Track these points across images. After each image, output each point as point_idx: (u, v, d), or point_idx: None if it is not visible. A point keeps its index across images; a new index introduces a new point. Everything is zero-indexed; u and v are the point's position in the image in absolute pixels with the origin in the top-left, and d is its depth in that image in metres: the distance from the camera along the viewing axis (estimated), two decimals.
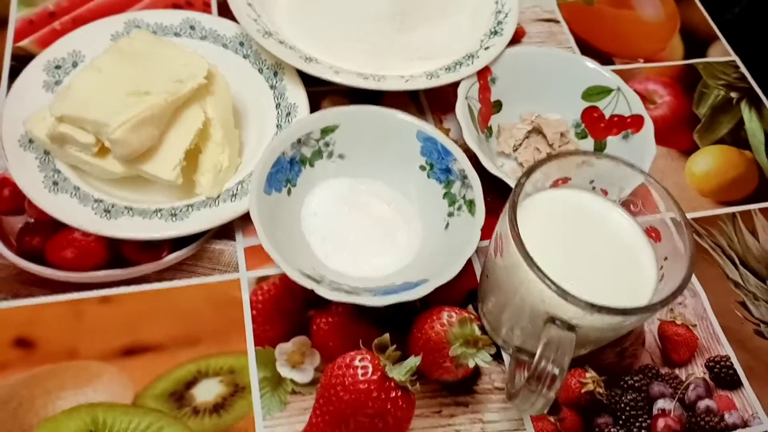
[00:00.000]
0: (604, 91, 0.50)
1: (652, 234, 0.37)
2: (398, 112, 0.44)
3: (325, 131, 0.44)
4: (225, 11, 0.48)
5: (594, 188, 0.38)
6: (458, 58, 0.48)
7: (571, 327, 0.32)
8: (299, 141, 0.43)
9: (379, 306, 0.37)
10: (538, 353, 0.32)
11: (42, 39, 0.51)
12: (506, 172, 0.49)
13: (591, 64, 0.50)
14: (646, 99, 0.57)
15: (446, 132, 0.51)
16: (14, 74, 0.47)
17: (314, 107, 0.48)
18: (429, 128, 0.44)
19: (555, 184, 0.38)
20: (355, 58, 0.48)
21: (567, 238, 0.36)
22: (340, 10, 0.51)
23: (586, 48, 0.59)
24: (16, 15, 0.52)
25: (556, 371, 0.32)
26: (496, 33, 0.50)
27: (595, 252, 0.36)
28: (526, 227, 0.33)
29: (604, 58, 0.59)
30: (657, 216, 0.36)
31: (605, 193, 0.38)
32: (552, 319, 0.33)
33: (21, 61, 0.49)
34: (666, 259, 0.35)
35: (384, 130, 0.44)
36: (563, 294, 0.31)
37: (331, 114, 0.44)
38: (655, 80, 0.58)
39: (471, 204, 0.41)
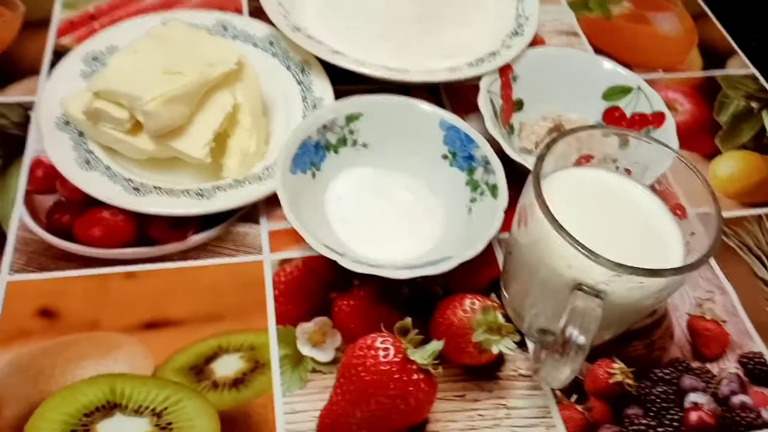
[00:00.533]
0: (624, 91, 0.50)
1: (678, 211, 0.36)
2: (420, 101, 0.45)
3: (350, 119, 0.44)
4: (255, 14, 0.50)
5: (617, 168, 0.38)
6: (481, 56, 0.50)
7: (597, 294, 0.32)
8: (325, 126, 0.43)
9: (402, 279, 0.37)
10: (563, 320, 0.31)
11: (81, 37, 0.53)
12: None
13: (608, 64, 0.51)
14: (666, 107, 0.57)
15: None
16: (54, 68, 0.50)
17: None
18: (451, 117, 0.44)
19: (578, 163, 0.38)
20: (380, 55, 0.50)
21: (591, 215, 0.36)
22: (366, 12, 0.53)
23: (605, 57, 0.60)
24: (59, 17, 0.55)
25: (582, 339, 0.31)
26: (517, 34, 0.51)
27: (619, 228, 0.36)
28: (549, 203, 0.33)
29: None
30: (682, 197, 0.36)
31: (628, 172, 0.38)
32: (578, 286, 0.32)
33: (61, 56, 0.51)
34: (692, 234, 0.35)
35: (407, 120, 0.45)
36: (590, 254, 0.30)
37: (355, 102, 0.45)
38: (675, 89, 0.59)
39: (494, 188, 0.41)
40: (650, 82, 0.58)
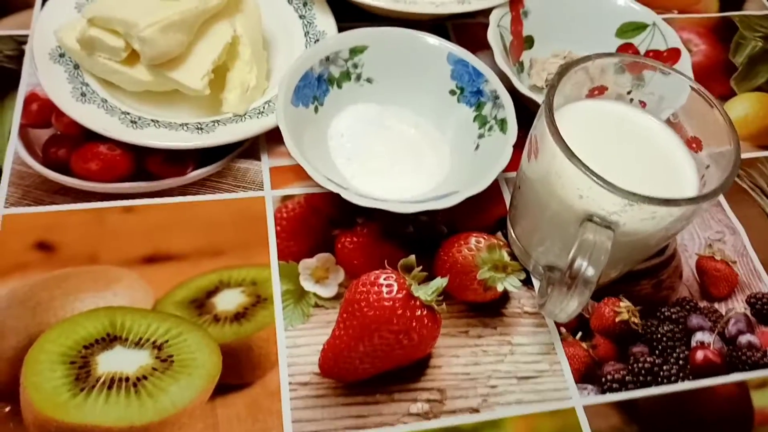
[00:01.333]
0: (639, 27, 0.49)
1: (693, 144, 0.35)
2: (428, 34, 0.43)
3: (354, 51, 0.43)
4: None
5: (632, 100, 0.37)
6: None
7: (608, 225, 0.31)
8: (328, 59, 0.42)
9: (408, 214, 0.36)
10: (572, 251, 0.31)
11: None
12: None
13: (630, 2, 0.49)
14: None
15: None
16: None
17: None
18: (460, 50, 0.43)
19: (591, 94, 0.37)
20: None
21: (604, 146, 0.35)
22: None
23: None
24: None
25: (591, 271, 0.30)
26: None
27: (633, 159, 0.35)
28: (561, 134, 0.32)
29: None
30: (698, 127, 0.35)
31: (643, 105, 0.37)
32: (589, 217, 0.31)
33: None
34: (708, 167, 0.34)
35: (413, 53, 0.43)
36: (604, 182, 0.29)
37: (360, 33, 0.43)
38: (690, 30, 0.57)
39: (503, 123, 0.40)
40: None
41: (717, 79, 0.54)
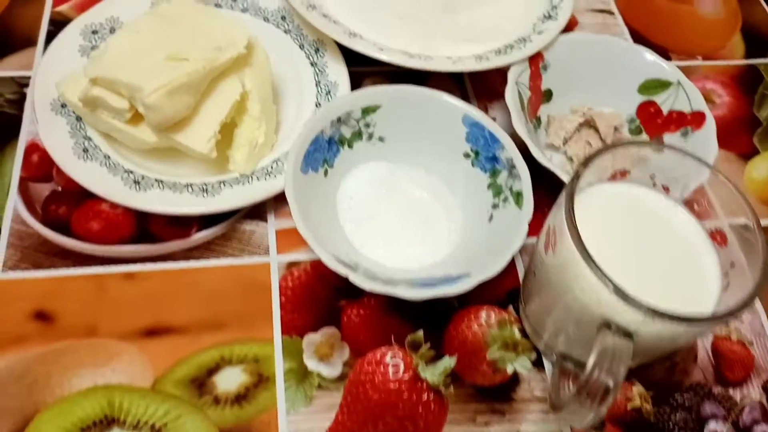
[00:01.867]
0: (662, 85, 0.47)
1: (717, 237, 0.34)
2: (443, 93, 0.42)
3: (367, 111, 0.41)
4: None
5: (655, 184, 0.35)
6: (509, 42, 0.46)
7: (628, 334, 0.30)
8: (339, 120, 0.40)
9: (416, 300, 0.35)
10: (590, 362, 0.29)
11: (81, 5, 0.49)
12: (555, 165, 0.46)
13: (650, 55, 0.47)
14: (704, 98, 0.53)
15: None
16: (51, 39, 0.46)
17: (355, 88, 0.46)
18: (476, 113, 0.41)
19: (613, 177, 0.35)
20: (400, 38, 0.46)
21: (625, 237, 0.34)
22: None
23: (642, 41, 0.56)
24: None
25: (610, 383, 0.29)
26: (549, 17, 0.47)
27: (654, 254, 0.33)
28: (581, 222, 0.30)
29: (660, 53, 0.55)
30: (722, 218, 0.33)
31: (667, 190, 0.35)
32: (607, 325, 0.30)
33: (59, 26, 0.47)
34: (732, 266, 0.32)
35: (428, 113, 0.42)
36: (624, 296, 0.28)
37: (373, 93, 0.41)
38: (714, 79, 0.55)
39: (518, 196, 0.39)
40: (688, 70, 0.55)
41: (739, 135, 0.52)
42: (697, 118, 0.45)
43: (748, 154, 0.51)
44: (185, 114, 0.38)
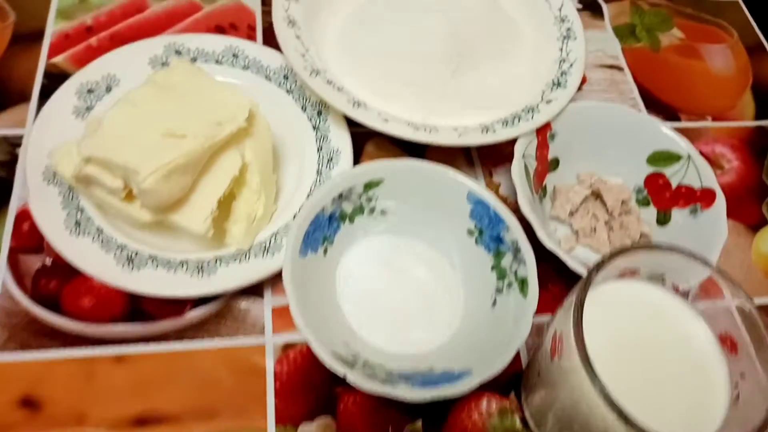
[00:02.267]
0: (672, 158, 0.46)
1: (728, 342, 0.33)
2: (449, 169, 0.41)
3: (369, 186, 0.40)
4: (270, 37, 0.45)
5: (664, 281, 0.34)
6: (516, 111, 0.45)
7: None
8: (341, 196, 0.39)
9: (416, 401, 0.34)
10: None
11: (77, 56, 0.48)
12: (559, 238, 0.45)
13: (661, 126, 0.46)
14: (713, 163, 0.52)
15: (496, 187, 0.47)
16: (45, 93, 0.45)
17: (358, 149, 0.45)
18: (481, 190, 0.40)
19: (622, 275, 0.34)
20: (406, 102, 0.45)
21: (632, 344, 0.32)
22: (392, 48, 0.47)
23: (650, 100, 0.55)
24: (52, 28, 0.49)
25: None
26: (559, 84, 0.46)
27: (662, 364, 0.32)
28: (588, 325, 0.29)
29: (669, 113, 0.55)
30: (729, 320, 0.32)
31: (676, 289, 0.34)
32: None
33: (53, 79, 0.46)
34: (743, 376, 0.31)
35: (431, 187, 0.41)
36: (631, 423, 0.27)
37: (376, 168, 0.40)
38: (724, 142, 0.54)
39: (523, 283, 0.38)
40: (697, 132, 0.54)
41: (749, 203, 0.51)
42: (707, 196, 0.44)
43: (756, 225, 0.50)
44: (182, 194, 0.36)
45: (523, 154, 0.43)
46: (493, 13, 0.51)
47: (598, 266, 0.31)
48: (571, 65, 0.47)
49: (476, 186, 0.40)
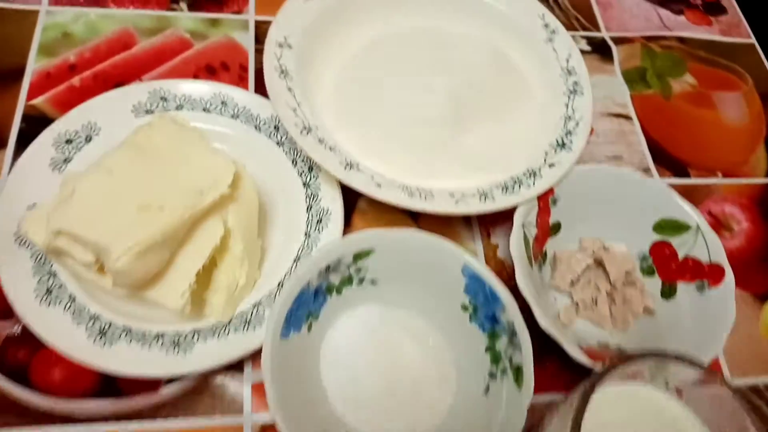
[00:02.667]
0: (680, 227, 0.43)
1: None
2: (443, 240, 0.38)
3: (359, 256, 0.38)
4: (263, 79, 0.43)
5: (668, 385, 0.32)
6: (517, 174, 0.42)
7: None
8: (328, 268, 0.37)
9: None
10: None
11: (58, 98, 0.46)
12: (559, 309, 0.43)
13: (669, 192, 0.44)
14: (721, 225, 0.50)
15: (494, 248, 0.45)
16: (23, 139, 0.43)
17: (350, 204, 0.43)
18: (477, 265, 0.38)
19: (625, 378, 0.32)
20: (402, 162, 0.43)
21: None
22: (388, 104, 0.45)
23: (659, 153, 0.53)
24: (33, 65, 0.47)
25: None
26: (563, 146, 0.44)
27: None
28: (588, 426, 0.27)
29: (679, 168, 0.52)
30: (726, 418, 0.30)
31: (679, 393, 0.32)
32: None
33: (32, 123, 0.44)
34: None
35: (425, 258, 0.39)
36: None
37: (366, 238, 0.38)
38: (733, 201, 0.52)
39: (518, 372, 0.35)
40: (707, 189, 0.52)
41: (758, 270, 0.49)
42: (715, 272, 0.41)
43: (765, 293, 0.48)
44: (158, 270, 0.34)
45: (523, 223, 0.41)
46: (497, 64, 0.49)
47: (601, 375, 0.29)
48: (577, 124, 0.45)
49: (472, 259, 0.38)
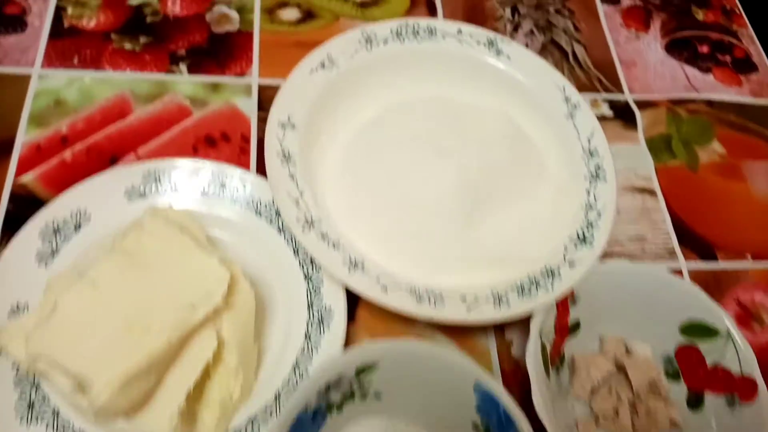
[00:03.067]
0: (708, 332, 0.40)
1: None
2: (454, 353, 0.35)
3: (362, 371, 0.35)
4: (264, 152, 0.40)
5: None
6: (534, 273, 0.39)
7: None
8: (328, 388, 0.34)
9: None
10: None
11: (48, 175, 0.43)
12: (576, 419, 0.40)
13: (698, 294, 0.40)
14: (751, 316, 0.47)
15: (508, 345, 0.42)
16: (9, 222, 0.41)
17: (353, 301, 0.40)
18: (490, 382, 0.35)
19: None
20: (410, 256, 0.40)
21: None
22: (396, 188, 0.42)
23: (685, 232, 0.50)
24: (23, 138, 0.44)
25: None
26: (584, 240, 0.41)
27: None
28: None
29: (705, 250, 0.49)
30: None
31: None
32: None
33: (20, 204, 0.42)
34: None
35: (434, 372, 0.36)
36: None
37: (369, 351, 0.35)
38: (763, 289, 0.48)
39: None
40: (735, 275, 0.48)
41: None
42: (747, 386, 0.38)
43: None
44: (144, 397, 0.32)
45: (540, 330, 0.38)
46: (512, 139, 0.46)
47: None
48: (599, 215, 0.42)
49: (484, 375, 0.35)
